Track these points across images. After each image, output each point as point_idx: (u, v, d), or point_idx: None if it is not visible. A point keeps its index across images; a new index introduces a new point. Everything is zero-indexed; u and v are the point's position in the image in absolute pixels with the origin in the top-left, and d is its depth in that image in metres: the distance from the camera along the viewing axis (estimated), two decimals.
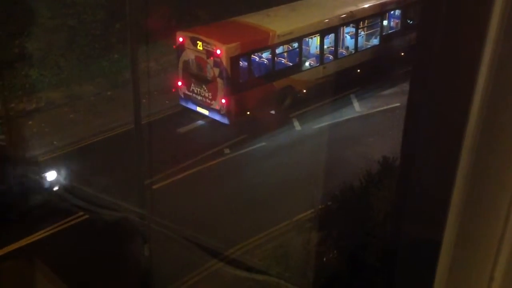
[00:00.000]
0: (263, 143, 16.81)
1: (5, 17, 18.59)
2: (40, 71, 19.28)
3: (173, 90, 18.47)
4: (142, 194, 12.32)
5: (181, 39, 17.78)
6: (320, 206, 11.40)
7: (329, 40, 19.35)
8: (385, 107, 18.47)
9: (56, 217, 13.30)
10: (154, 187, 14.43)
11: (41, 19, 19.68)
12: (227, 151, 16.52)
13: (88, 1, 20.37)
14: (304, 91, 18.67)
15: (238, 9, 20.09)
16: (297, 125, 17.89)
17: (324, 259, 10.29)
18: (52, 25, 19.79)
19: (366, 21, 20.30)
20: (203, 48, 17.22)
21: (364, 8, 20.03)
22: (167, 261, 11.75)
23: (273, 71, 18.23)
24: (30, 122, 17.54)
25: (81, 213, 13.46)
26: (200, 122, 18.13)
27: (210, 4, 22.28)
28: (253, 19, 18.63)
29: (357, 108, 18.85)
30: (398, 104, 17.75)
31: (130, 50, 13.79)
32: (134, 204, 12.37)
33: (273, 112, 18.10)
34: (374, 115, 18.30)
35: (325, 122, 17.78)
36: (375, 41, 20.68)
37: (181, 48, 17.87)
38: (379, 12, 20.44)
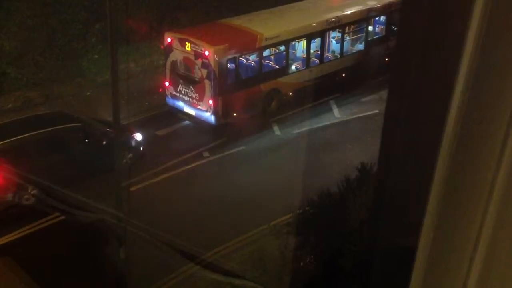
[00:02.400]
0: (243, 147, 16.82)
1: None
2: (18, 70, 19.07)
3: (160, 90, 18.51)
4: (119, 196, 12.21)
5: (169, 40, 17.86)
6: (297, 211, 11.41)
7: (315, 44, 19.54)
8: (364, 114, 18.60)
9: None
10: (131, 189, 14.35)
11: (21, 17, 19.49)
12: (206, 154, 16.49)
13: (69, 0, 20.22)
14: (290, 94, 18.84)
15: (219, 13, 20.14)
16: (276, 130, 17.94)
17: (301, 264, 10.30)
18: (32, 23, 19.60)
19: (351, 26, 20.53)
20: (191, 49, 17.32)
21: (350, 14, 20.26)
22: (143, 264, 11.68)
23: (260, 74, 18.39)
24: (4, 121, 17.32)
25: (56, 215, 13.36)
26: (180, 124, 18.11)
27: (191, 7, 22.29)
28: (241, 21, 18.77)
29: (337, 114, 18.96)
30: (377, 111, 17.89)
31: (110, 51, 13.69)
32: (110, 206, 12.27)
33: (259, 114, 18.24)
34: (353, 121, 18.41)
35: (304, 127, 17.86)
36: (359, 47, 20.91)
37: (169, 48, 17.95)
38: (364, 18, 20.67)
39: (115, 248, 11.60)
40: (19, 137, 14.16)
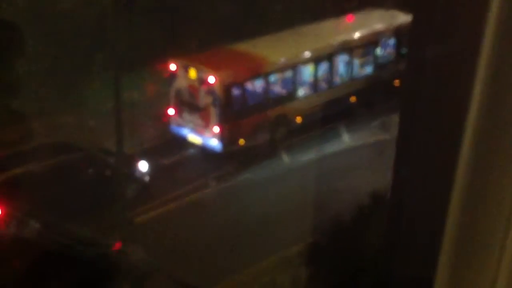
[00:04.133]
0: (250, 175, 16.80)
1: None
2: (19, 101, 19.20)
3: (164, 119, 18.56)
4: (123, 229, 12.21)
5: (173, 67, 17.97)
6: (308, 241, 11.35)
7: (322, 68, 19.58)
8: (375, 139, 18.57)
9: None
10: (136, 220, 14.35)
11: (22, 47, 19.68)
12: (212, 183, 16.48)
13: (70, 29, 20.44)
14: (298, 120, 18.85)
15: (223, 39, 20.28)
16: (284, 157, 17.92)
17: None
18: (33, 53, 19.80)
19: (360, 49, 20.58)
20: (195, 76, 17.42)
21: (358, 37, 20.35)
22: None
23: (267, 99, 18.44)
24: (8, 152, 17.39)
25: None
26: (185, 153, 18.14)
27: (195, 34, 22.46)
28: (246, 47, 18.87)
29: (347, 139, 18.93)
30: (388, 137, 17.86)
31: (114, 79, 13.85)
32: (115, 239, 12.26)
33: (266, 141, 18.25)
34: (364, 147, 18.37)
35: (313, 154, 17.82)
36: (369, 70, 20.93)
37: (173, 76, 18.06)
38: (373, 41, 20.74)
39: (120, 283, 11.57)
40: (21, 169, 14.22)
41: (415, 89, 2.26)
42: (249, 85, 18.24)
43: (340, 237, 10.22)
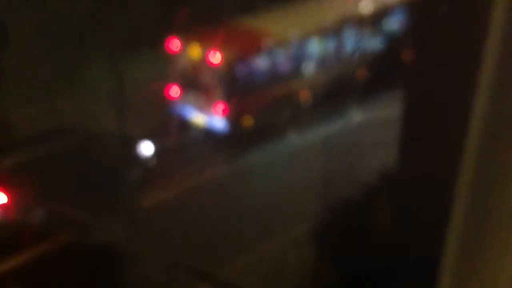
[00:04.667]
0: (257, 155, 16.79)
1: None
2: (18, 86, 19.22)
3: (166, 99, 18.49)
4: (129, 214, 12.27)
5: (175, 44, 17.83)
6: (316, 221, 11.38)
7: (329, 45, 19.43)
8: (385, 115, 18.50)
9: None
10: (142, 205, 14.41)
11: (19, 29, 19.65)
12: (219, 164, 16.49)
13: (68, 10, 20.35)
14: (306, 97, 18.77)
15: (228, 14, 20.14)
16: (292, 135, 17.89)
17: (321, 276, 10.27)
18: (31, 35, 19.76)
19: (369, 23, 20.41)
20: (199, 53, 17.31)
21: (367, 10, 20.16)
22: (156, 285, 11.69)
23: (274, 77, 18.31)
24: (10, 139, 17.45)
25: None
26: (190, 134, 18.13)
27: (198, 10, 22.33)
28: (251, 22, 18.68)
29: (356, 116, 18.87)
30: (398, 112, 17.77)
31: (115, 59, 13.81)
32: (120, 224, 12.34)
33: (274, 119, 18.19)
34: (373, 124, 18.31)
35: (322, 131, 17.78)
36: (379, 45, 20.76)
37: (176, 53, 17.92)
38: (383, 14, 20.55)
39: (126, 268, 11.64)
40: (24, 155, 14.27)
41: (421, 71, 2.23)
42: (254, 62, 18.14)
43: (348, 217, 10.24)
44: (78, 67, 20.42)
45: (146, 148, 16.04)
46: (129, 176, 14.43)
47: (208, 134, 17.72)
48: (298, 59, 18.80)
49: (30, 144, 15.03)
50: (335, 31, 19.42)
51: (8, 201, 13.62)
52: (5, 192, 13.60)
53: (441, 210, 1.88)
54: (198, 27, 20.01)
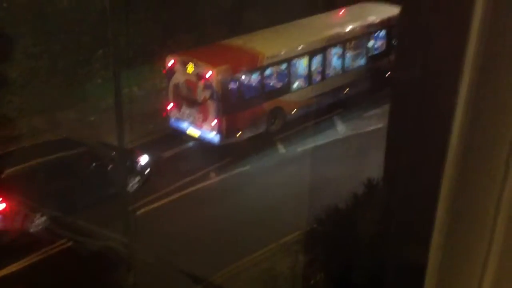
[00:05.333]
0: (248, 166, 16.82)
1: None
2: (22, 98, 19.19)
3: (164, 113, 18.55)
4: (126, 221, 12.21)
5: (171, 63, 17.98)
6: (306, 229, 11.37)
7: (316, 61, 19.59)
8: (368, 129, 18.59)
9: None
10: (138, 213, 14.35)
11: (24, 45, 19.65)
12: (211, 175, 16.49)
13: (72, 27, 20.39)
14: (293, 112, 18.89)
15: (220, 34, 20.26)
16: (280, 148, 17.95)
17: (312, 282, 10.26)
18: (35, 51, 19.76)
19: (352, 42, 20.59)
20: (193, 71, 17.43)
21: (350, 30, 20.35)
22: None
23: (263, 93, 18.47)
24: (13, 148, 17.39)
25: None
26: (184, 146, 18.14)
27: (192, 30, 22.43)
28: (242, 41, 18.86)
29: (341, 130, 18.94)
30: (380, 126, 17.86)
31: (114, 75, 13.80)
32: (117, 231, 12.27)
33: (263, 133, 18.28)
34: (357, 137, 18.39)
35: (309, 144, 17.84)
36: (361, 62, 20.95)
37: (171, 71, 18.07)
38: (365, 34, 20.74)
39: (123, 274, 11.58)
40: (25, 164, 14.21)
41: (404, 83, 2.27)
42: (245, 79, 18.26)
43: (336, 224, 10.24)
44: (80, 81, 20.45)
45: (142, 159, 16.03)
46: (125, 185, 14.36)
47: (201, 146, 17.75)
48: (287, 76, 18.91)
49: (30, 153, 14.96)
50: (322, 49, 19.56)
51: (6, 208, 13.54)
52: (4, 199, 13.52)
53: (425, 213, 1.91)
54: (193, 46, 20.12)
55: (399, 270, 2.47)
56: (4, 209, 13.55)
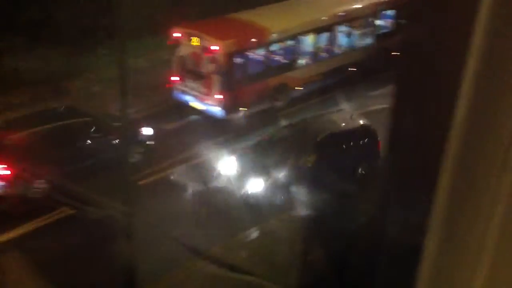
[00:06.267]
0: (251, 141, 16.78)
1: None
2: (27, 65, 19.13)
3: (168, 85, 18.50)
4: (127, 191, 12.21)
5: (177, 35, 17.86)
6: (308, 205, 11.39)
7: (323, 38, 19.47)
8: (372, 108, 18.51)
9: None
10: (140, 183, 14.38)
11: (29, 13, 19.53)
12: (214, 148, 16.46)
13: None
14: (298, 88, 18.83)
15: (226, 8, 20.10)
16: (283, 124, 17.88)
17: (309, 259, 10.30)
18: (41, 17, 19.65)
19: (359, 20, 20.44)
20: (199, 44, 17.33)
21: (358, 8, 20.18)
22: (150, 259, 11.69)
23: (268, 68, 18.38)
24: (15, 116, 17.38)
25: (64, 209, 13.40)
26: (188, 119, 18.11)
27: (199, 2, 22.24)
28: (249, 16, 18.77)
29: (345, 108, 18.84)
30: (385, 106, 17.77)
31: (118, 46, 13.68)
32: (119, 201, 12.28)
33: (267, 108, 18.24)
34: (361, 116, 18.29)
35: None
36: (368, 41, 20.81)
37: (177, 43, 17.95)
38: (373, 12, 20.58)
39: (123, 243, 11.62)
40: (28, 131, 14.21)
41: (409, 62, 2.21)
42: (251, 54, 18.17)
43: (336, 202, 10.26)
44: (84, 51, 20.35)
45: (146, 131, 16.01)
46: (128, 156, 14.35)
47: (205, 119, 17.72)
48: (292, 53, 18.81)
49: (34, 121, 14.95)
50: (329, 27, 19.44)
51: (10, 174, 13.57)
52: (8, 165, 13.55)
53: (423, 201, 1.88)
54: (200, 19, 19.98)
55: (396, 251, 2.45)
56: (8, 175, 13.59)
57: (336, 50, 20.16)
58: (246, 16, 18.88)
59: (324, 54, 19.68)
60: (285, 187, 12.51)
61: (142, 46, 20.60)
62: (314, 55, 19.38)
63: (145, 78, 19.43)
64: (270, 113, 18.14)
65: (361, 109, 18.56)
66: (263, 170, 13.59)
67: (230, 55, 17.12)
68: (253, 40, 17.92)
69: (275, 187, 13.30)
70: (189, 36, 17.63)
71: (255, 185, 13.80)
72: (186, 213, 13.48)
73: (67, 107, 16.42)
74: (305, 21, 18.99)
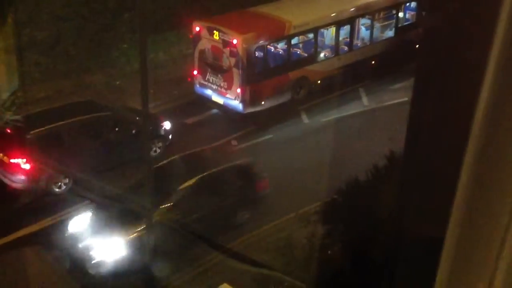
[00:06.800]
0: (271, 135, 16.76)
1: (15, 5, 18.61)
2: (50, 60, 19.29)
3: (188, 79, 18.54)
4: (148, 185, 12.28)
5: (197, 29, 17.88)
6: (326, 200, 11.32)
7: (344, 31, 19.33)
8: (393, 102, 18.35)
9: None
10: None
11: (52, 7, 19.68)
12: (234, 142, 16.46)
13: None
14: (319, 82, 18.73)
15: (246, 1, 20.05)
16: (304, 118, 17.83)
17: (329, 253, 10.25)
18: (63, 13, 19.79)
19: (381, 13, 20.24)
20: (219, 38, 17.33)
21: (379, 0, 19.97)
22: (171, 253, 11.74)
23: (289, 62, 18.30)
24: (38, 110, 17.55)
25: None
26: (208, 113, 18.12)
27: None
28: (270, 9, 18.68)
29: (366, 102, 18.74)
30: (406, 99, 17.60)
31: (140, 40, 13.76)
32: (139, 195, 12.35)
33: (287, 102, 18.17)
34: (382, 109, 18.18)
35: (333, 115, 17.69)
36: (389, 34, 20.61)
37: (197, 37, 17.97)
38: (394, 5, 20.36)
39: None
40: (50, 126, 14.33)
41: (430, 54, 2.16)
42: (271, 47, 18.12)
43: (356, 196, 10.17)
44: (106, 45, 20.46)
45: (166, 124, 16.07)
46: (149, 149, 14.42)
47: (225, 113, 17.72)
48: (313, 46, 18.70)
49: (55, 115, 15.06)
50: (350, 19, 19.28)
51: (30, 168, 13.69)
52: (28, 159, 13.67)
53: (443, 194, 1.84)
54: (220, 13, 19.96)
55: (415, 245, 2.41)
56: (28, 170, 13.73)
57: (358, 43, 20.01)
58: (266, 9, 18.81)
59: (345, 47, 19.54)
60: None
61: (163, 41, 20.65)
62: (335, 48, 19.24)
63: (165, 72, 19.50)
64: (290, 107, 18.08)
65: (382, 102, 18.44)
66: None
67: (250, 49, 17.08)
68: (273, 33, 17.85)
69: None
70: (209, 30, 17.62)
71: None
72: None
73: (88, 101, 16.55)
74: (326, 14, 18.85)
